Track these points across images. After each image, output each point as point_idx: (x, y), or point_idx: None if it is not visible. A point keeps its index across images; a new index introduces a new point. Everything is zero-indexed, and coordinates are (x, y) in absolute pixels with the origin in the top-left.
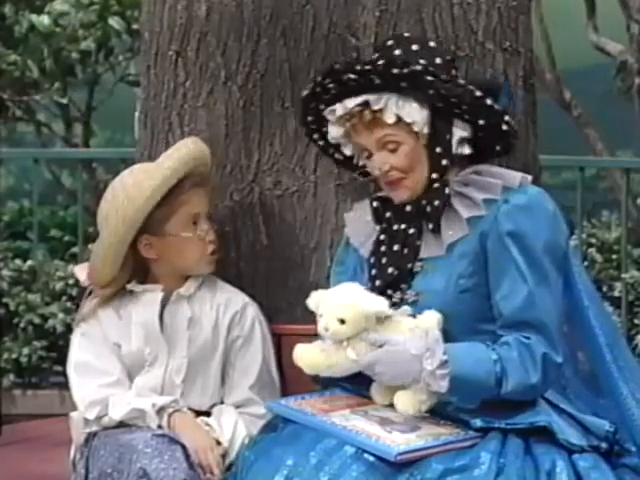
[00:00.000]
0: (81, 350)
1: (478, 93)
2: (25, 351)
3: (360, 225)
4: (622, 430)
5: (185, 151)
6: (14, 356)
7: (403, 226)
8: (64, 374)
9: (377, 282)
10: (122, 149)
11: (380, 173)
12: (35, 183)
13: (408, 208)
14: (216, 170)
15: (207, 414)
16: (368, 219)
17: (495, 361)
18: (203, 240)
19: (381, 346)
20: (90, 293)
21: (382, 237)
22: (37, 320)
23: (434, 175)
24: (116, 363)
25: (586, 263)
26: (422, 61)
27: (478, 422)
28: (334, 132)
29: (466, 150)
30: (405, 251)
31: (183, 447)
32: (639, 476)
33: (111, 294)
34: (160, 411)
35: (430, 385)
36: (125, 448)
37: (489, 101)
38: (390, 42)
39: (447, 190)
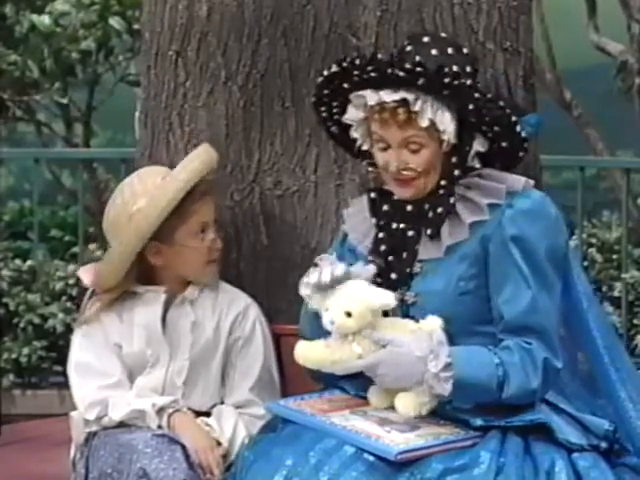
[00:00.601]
0: (82, 350)
1: (514, 119)
2: (25, 351)
3: (358, 221)
4: (620, 432)
5: (196, 162)
6: (14, 356)
7: (402, 226)
8: (64, 374)
9: (372, 267)
10: (123, 149)
11: (394, 169)
12: (35, 183)
13: (409, 208)
14: (217, 170)
15: (207, 414)
16: (366, 215)
17: (497, 365)
18: (210, 249)
19: (384, 346)
20: (92, 293)
21: (381, 235)
22: (37, 320)
23: (443, 182)
24: (117, 364)
25: (586, 263)
26: (455, 67)
27: (478, 421)
28: (353, 114)
29: (477, 164)
30: (404, 255)
31: (183, 447)
32: (638, 475)
33: (114, 298)
34: (160, 411)
35: (433, 387)
36: (125, 448)
37: (519, 128)
38: (426, 39)
39: (452, 200)
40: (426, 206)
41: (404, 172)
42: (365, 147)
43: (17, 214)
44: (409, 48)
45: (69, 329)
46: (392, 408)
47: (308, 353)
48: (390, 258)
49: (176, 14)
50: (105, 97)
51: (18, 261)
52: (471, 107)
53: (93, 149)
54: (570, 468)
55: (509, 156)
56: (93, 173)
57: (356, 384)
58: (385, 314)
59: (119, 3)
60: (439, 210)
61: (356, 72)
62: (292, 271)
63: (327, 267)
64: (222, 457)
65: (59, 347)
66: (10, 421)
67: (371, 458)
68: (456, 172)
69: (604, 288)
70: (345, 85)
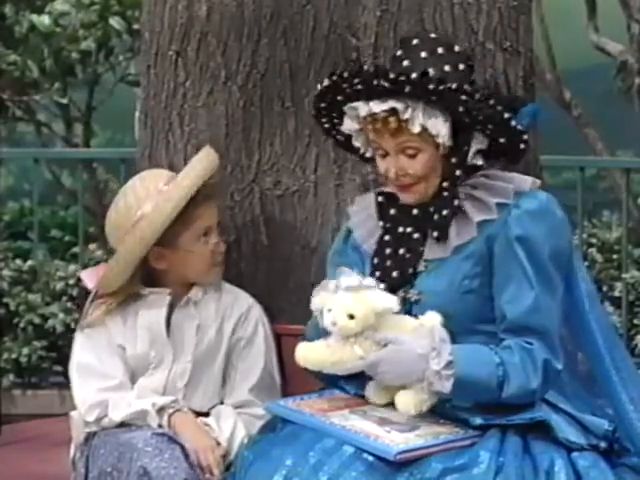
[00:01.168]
0: (84, 352)
1: (507, 115)
2: (25, 351)
3: (364, 219)
4: (620, 433)
5: (200, 167)
6: (14, 356)
7: (409, 230)
8: (64, 374)
9: (382, 285)
10: (122, 149)
11: (392, 175)
12: (35, 183)
13: (415, 212)
14: (218, 173)
15: (207, 415)
16: (372, 213)
17: (498, 365)
18: (213, 252)
19: (386, 345)
20: (94, 297)
21: (387, 238)
22: (37, 320)
23: (445, 184)
24: (119, 366)
25: (586, 263)
26: (447, 67)
27: (477, 419)
28: (349, 125)
29: (479, 161)
30: (408, 255)
31: (182, 447)
32: (638, 475)
33: (118, 302)
34: (160, 411)
35: (433, 385)
36: (125, 447)
37: (514, 122)
38: (415, 41)
39: (456, 202)
40: (431, 209)
41: (403, 178)
42: (368, 155)
43: (17, 214)
44: (399, 53)
45: (69, 329)
46: (390, 405)
47: (309, 354)
48: (394, 258)
49: (176, 14)
50: (105, 97)
51: (18, 261)
52: (461, 109)
53: (93, 149)
54: (570, 467)
55: (510, 150)
56: (93, 173)
57: (356, 384)
58: None
59: (119, 3)
60: (444, 212)
61: (345, 85)
62: (292, 271)
63: (348, 277)
64: (222, 457)
65: (59, 347)
66: (10, 421)
67: (370, 458)
68: (457, 172)
69: (604, 288)
70: (338, 98)
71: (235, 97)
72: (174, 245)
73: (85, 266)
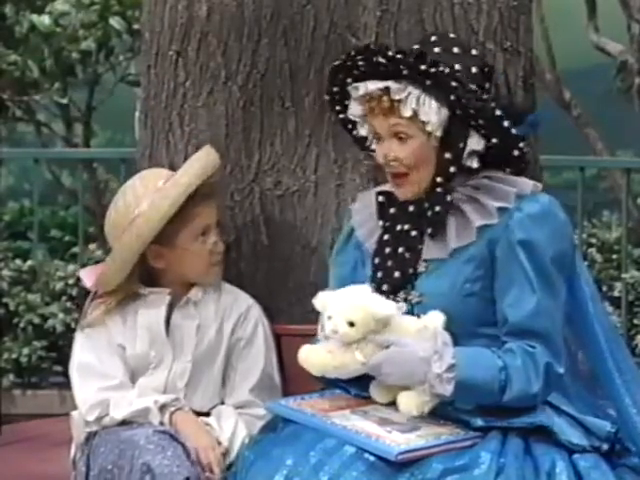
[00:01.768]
0: (84, 352)
1: (498, 112)
2: (25, 351)
3: (365, 217)
4: (622, 434)
5: (197, 167)
6: (14, 356)
7: (406, 227)
8: (64, 374)
9: (384, 286)
10: (122, 149)
11: (384, 161)
12: (35, 183)
13: (411, 208)
14: (218, 173)
15: (207, 415)
16: (372, 212)
17: (500, 369)
18: (211, 252)
19: (388, 347)
20: (94, 296)
21: (386, 237)
22: (37, 320)
23: (439, 179)
24: (119, 366)
25: (586, 263)
26: (457, 66)
27: (479, 421)
28: (354, 109)
29: (475, 164)
30: (407, 255)
31: (183, 445)
32: (638, 476)
33: (118, 301)
34: (162, 408)
35: (435, 387)
36: (126, 444)
37: (507, 123)
38: (433, 38)
39: (449, 198)
40: (425, 205)
41: (392, 163)
42: (373, 146)
43: (17, 214)
44: (415, 46)
45: (69, 329)
46: (392, 405)
47: (311, 359)
48: (394, 258)
49: (176, 14)
50: (105, 97)
51: (18, 261)
52: (452, 98)
53: (93, 149)
54: (571, 469)
55: (504, 155)
56: (93, 173)
57: (358, 386)
58: None
59: (119, 3)
60: (437, 208)
61: (350, 63)
62: (292, 271)
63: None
64: (222, 455)
65: (59, 347)
66: (10, 421)
67: (371, 458)
68: (452, 169)
69: (604, 288)
70: (347, 80)
71: (235, 97)
72: (172, 243)
73: (85, 266)
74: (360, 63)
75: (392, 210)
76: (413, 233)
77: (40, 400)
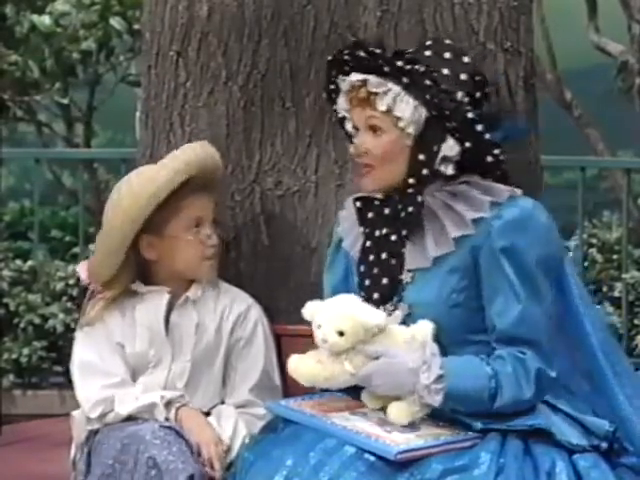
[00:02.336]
0: (85, 350)
1: (471, 115)
2: (25, 351)
3: (350, 224)
4: (620, 433)
5: (190, 154)
6: (14, 356)
7: (385, 231)
8: (64, 374)
9: (374, 294)
10: (123, 149)
11: (355, 151)
12: (36, 183)
13: (386, 211)
14: (218, 169)
15: (208, 415)
16: (355, 220)
17: (490, 377)
18: (203, 244)
19: (377, 358)
20: (92, 294)
21: (368, 244)
22: (37, 320)
23: (411, 180)
24: (120, 364)
25: (586, 263)
26: (446, 70)
27: (478, 424)
28: (341, 103)
29: (449, 170)
30: (393, 261)
31: (187, 442)
32: (637, 475)
33: (115, 296)
34: (168, 404)
35: (424, 398)
36: (130, 439)
37: (480, 127)
38: (429, 42)
39: (419, 198)
40: (399, 206)
41: (361, 155)
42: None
43: (18, 214)
44: (409, 49)
45: (69, 329)
46: (385, 410)
47: (301, 369)
48: (379, 265)
49: (176, 14)
50: (106, 97)
51: (18, 261)
52: (427, 97)
53: (94, 149)
54: (571, 469)
55: (479, 161)
56: (94, 173)
57: (353, 393)
58: None
59: (120, 3)
60: (410, 209)
61: (340, 58)
62: (292, 271)
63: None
64: (224, 452)
65: (59, 347)
66: (10, 421)
67: (371, 458)
68: (424, 171)
69: (604, 288)
70: (339, 75)
71: (236, 97)
72: (162, 233)
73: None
74: (346, 58)
75: (370, 215)
76: (393, 237)
77: (40, 400)
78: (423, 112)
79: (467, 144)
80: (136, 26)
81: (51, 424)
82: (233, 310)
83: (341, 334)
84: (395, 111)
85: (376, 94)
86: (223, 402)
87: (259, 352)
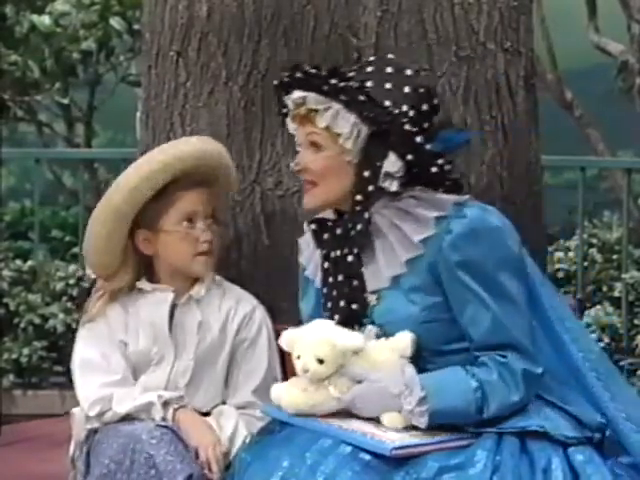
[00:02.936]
0: (86, 347)
1: (408, 127)
2: (25, 351)
3: (310, 251)
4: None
5: (183, 148)
6: (14, 356)
7: (340, 252)
8: (64, 374)
9: (335, 317)
10: (124, 149)
11: (295, 168)
12: (36, 183)
13: (338, 231)
14: (220, 167)
15: (208, 415)
16: (313, 243)
17: (475, 390)
18: (196, 239)
19: (360, 381)
20: (94, 286)
21: (326, 265)
22: (37, 320)
23: (358, 197)
24: (121, 362)
25: (586, 263)
26: (388, 85)
27: (471, 429)
28: (289, 123)
29: (393, 187)
30: (354, 282)
31: (183, 443)
32: (628, 467)
33: (117, 290)
34: (166, 404)
35: (410, 420)
36: (127, 438)
37: (419, 139)
38: (372, 58)
39: (367, 215)
40: (349, 225)
41: (301, 173)
42: None
43: (18, 214)
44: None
45: (69, 329)
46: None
47: (286, 398)
48: (340, 290)
49: (176, 14)
50: (106, 97)
51: (19, 261)
52: (365, 113)
53: (94, 149)
54: (566, 465)
55: (424, 174)
56: (94, 173)
57: None
58: None
59: (119, 3)
60: (359, 227)
61: (284, 81)
62: (293, 271)
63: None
64: (222, 454)
65: (59, 347)
66: (11, 421)
67: (367, 457)
68: (370, 188)
69: (604, 288)
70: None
71: (236, 97)
72: (156, 228)
73: (85, 267)
74: (286, 79)
75: (325, 236)
76: (350, 258)
77: (40, 400)
78: (364, 128)
79: (409, 157)
80: (136, 26)
81: (51, 424)
82: (239, 311)
83: (321, 362)
84: (334, 127)
85: (316, 111)
86: (224, 402)
87: (263, 353)
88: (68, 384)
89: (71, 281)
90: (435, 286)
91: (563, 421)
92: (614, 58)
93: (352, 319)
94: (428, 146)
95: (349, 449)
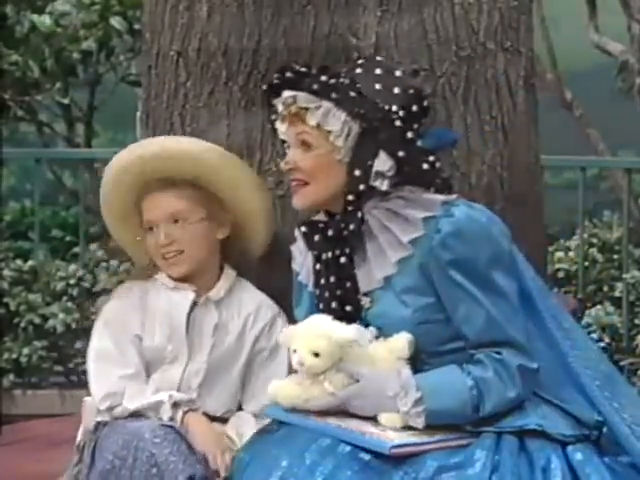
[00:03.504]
0: (102, 340)
1: (398, 123)
2: (25, 351)
3: (302, 256)
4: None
5: (150, 148)
6: (14, 356)
7: (332, 254)
8: (64, 374)
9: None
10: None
11: (285, 167)
12: (37, 183)
13: (330, 232)
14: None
15: (220, 419)
16: (305, 247)
17: (471, 388)
18: (157, 245)
19: (357, 380)
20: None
21: (318, 267)
22: (37, 320)
23: (350, 197)
24: (135, 356)
25: (587, 263)
26: (377, 85)
27: (468, 428)
28: (279, 126)
29: (384, 186)
30: (347, 284)
31: (187, 443)
32: (625, 465)
33: (144, 271)
34: (175, 406)
35: (407, 421)
36: (131, 435)
37: (410, 135)
38: (360, 61)
39: (359, 214)
40: (342, 225)
41: (292, 172)
42: None
43: (18, 214)
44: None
45: (70, 329)
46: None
47: (280, 392)
48: (329, 289)
49: (177, 14)
50: (106, 97)
51: (19, 261)
52: (355, 110)
53: (94, 149)
54: (565, 464)
55: (416, 171)
56: (94, 173)
57: None
58: None
59: (120, 3)
60: (351, 227)
61: (274, 83)
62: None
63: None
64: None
65: (59, 347)
66: (10, 421)
67: (366, 457)
68: (361, 187)
69: (605, 288)
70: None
71: (236, 97)
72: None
73: (85, 266)
74: (276, 81)
75: (317, 238)
76: (342, 260)
77: (40, 400)
78: (354, 126)
79: (400, 154)
80: (136, 26)
81: (51, 424)
82: (258, 319)
83: (316, 355)
84: (325, 125)
85: (307, 109)
86: (240, 408)
87: (283, 363)
88: (68, 384)
89: (71, 281)
90: (427, 287)
91: (561, 419)
92: (614, 58)
93: (346, 321)
94: (419, 142)
95: (348, 449)
